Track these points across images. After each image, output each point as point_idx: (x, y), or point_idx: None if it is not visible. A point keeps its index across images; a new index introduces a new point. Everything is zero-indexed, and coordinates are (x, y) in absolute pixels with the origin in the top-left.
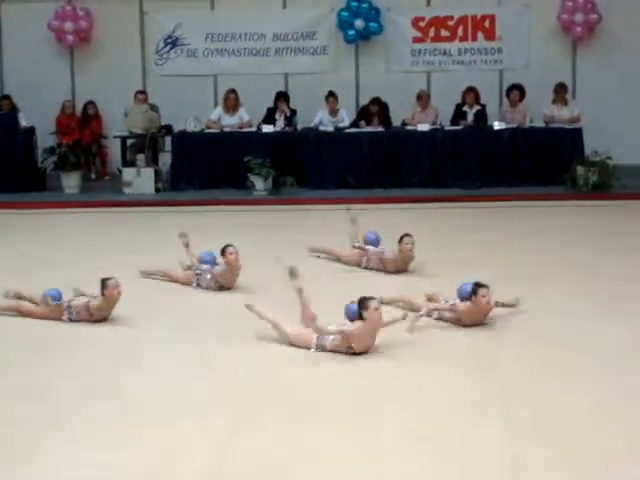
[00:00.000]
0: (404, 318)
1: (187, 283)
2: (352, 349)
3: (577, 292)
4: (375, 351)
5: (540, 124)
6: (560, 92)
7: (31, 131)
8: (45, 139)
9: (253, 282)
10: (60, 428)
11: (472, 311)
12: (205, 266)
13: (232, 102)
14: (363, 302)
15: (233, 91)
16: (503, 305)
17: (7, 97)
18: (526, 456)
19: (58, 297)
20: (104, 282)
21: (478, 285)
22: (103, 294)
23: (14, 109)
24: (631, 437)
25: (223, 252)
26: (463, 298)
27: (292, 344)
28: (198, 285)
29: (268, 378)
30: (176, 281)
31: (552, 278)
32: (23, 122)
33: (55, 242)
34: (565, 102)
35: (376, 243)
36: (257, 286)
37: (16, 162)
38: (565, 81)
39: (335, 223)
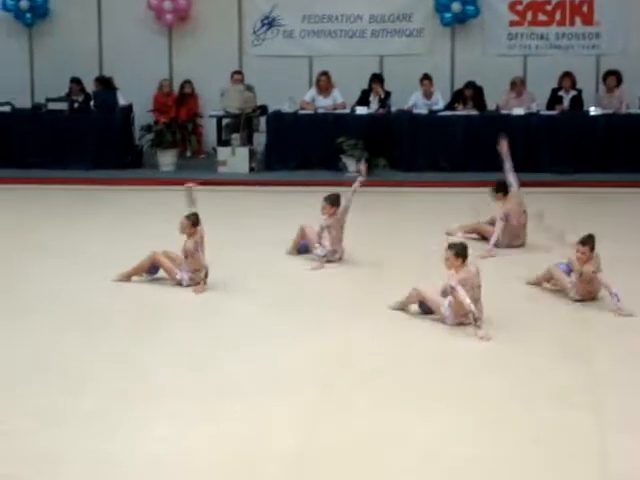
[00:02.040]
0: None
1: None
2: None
3: None
4: (465, 333)
5: (637, 111)
6: None
7: (129, 109)
8: (142, 117)
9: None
10: (147, 402)
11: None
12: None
13: (324, 84)
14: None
15: (325, 73)
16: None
17: (99, 79)
18: (613, 445)
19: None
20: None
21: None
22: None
23: (110, 88)
24: None
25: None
26: None
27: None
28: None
29: (353, 359)
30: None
31: None
32: (121, 100)
33: (154, 218)
34: None
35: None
36: (355, 261)
37: (114, 139)
38: None
39: (427, 205)
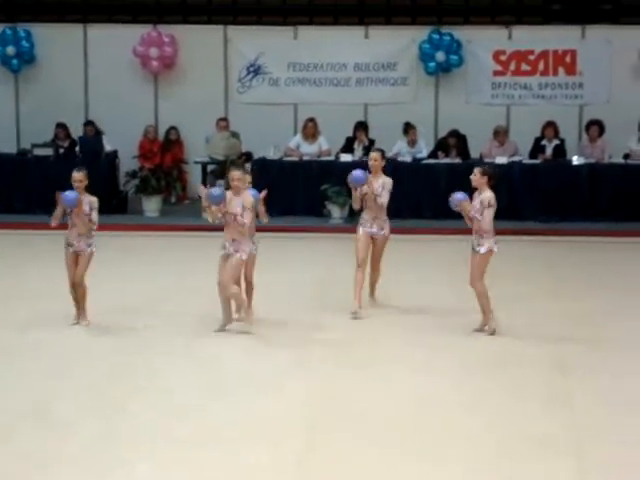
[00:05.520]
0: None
1: None
2: None
3: None
4: (445, 379)
5: (619, 160)
6: None
7: (114, 155)
8: (127, 163)
9: (328, 304)
10: (134, 449)
11: None
12: None
13: (311, 131)
14: None
15: (312, 120)
16: None
17: (91, 123)
18: None
19: None
20: None
21: None
22: None
23: (98, 133)
24: None
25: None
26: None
27: None
28: None
29: (341, 400)
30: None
31: (627, 314)
32: (107, 146)
33: (138, 262)
34: None
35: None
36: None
37: (99, 185)
38: None
39: (409, 252)
